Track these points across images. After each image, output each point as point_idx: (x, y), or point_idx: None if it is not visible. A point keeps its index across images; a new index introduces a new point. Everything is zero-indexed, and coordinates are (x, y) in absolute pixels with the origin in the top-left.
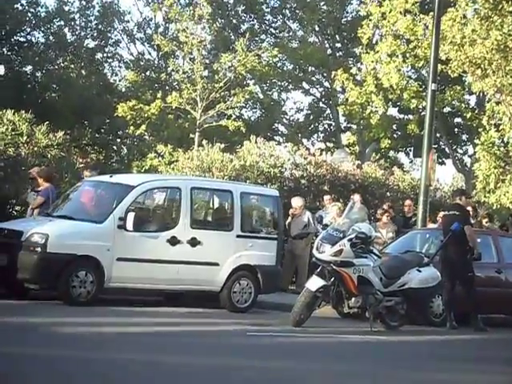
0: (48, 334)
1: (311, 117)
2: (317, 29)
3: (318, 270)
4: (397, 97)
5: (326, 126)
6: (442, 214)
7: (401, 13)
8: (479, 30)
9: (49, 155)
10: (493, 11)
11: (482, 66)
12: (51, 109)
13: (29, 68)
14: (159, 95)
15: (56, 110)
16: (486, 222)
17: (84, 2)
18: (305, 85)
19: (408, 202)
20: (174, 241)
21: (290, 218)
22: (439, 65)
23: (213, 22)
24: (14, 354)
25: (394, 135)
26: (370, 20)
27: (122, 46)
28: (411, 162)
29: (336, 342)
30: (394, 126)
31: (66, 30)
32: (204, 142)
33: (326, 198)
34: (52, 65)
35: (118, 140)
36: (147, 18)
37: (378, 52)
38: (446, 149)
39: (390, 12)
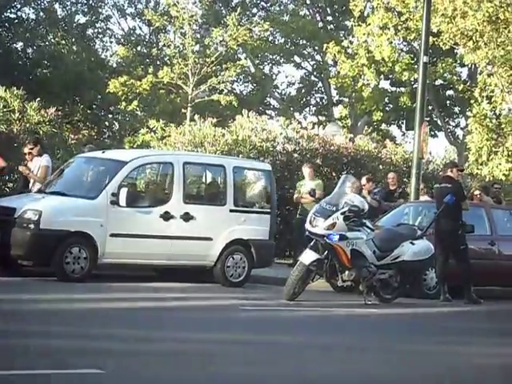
0: (43, 310)
1: (303, 90)
2: (308, 2)
3: (312, 243)
4: (388, 69)
5: (317, 99)
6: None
7: None
8: (470, 1)
9: (41, 131)
10: None
11: (474, 38)
12: (42, 85)
13: (19, 44)
14: (151, 70)
15: (47, 87)
16: (478, 195)
17: None
18: (296, 58)
19: (391, 174)
20: (167, 216)
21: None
22: (431, 37)
23: None
24: (9, 330)
25: (386, 108)
26: None
27: (112, 21)
28: (403, 134)
29: (330, 315)
30: (386, 99)
31: (56, 5)
32: (196, 116)
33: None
34: (43, 41)
35: (110, 116)
36: None
37: (369, 25)
38: (439, 121)
39: None
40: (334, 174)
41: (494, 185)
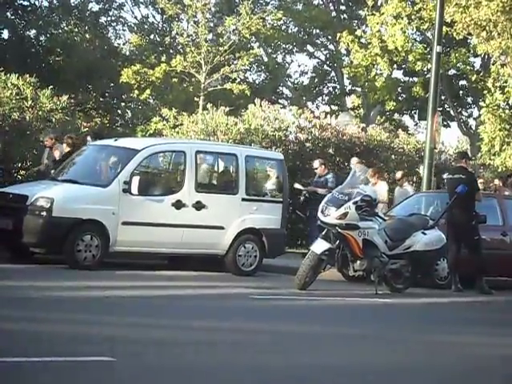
0: (54, 298)
1: (316, 80)
2: None
3: (323, 232)
4: (402, 59)
5: (330, 88)
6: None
7: None
8: None
9: (53, 119)
10: None
11: (487, 28)
12: (55, 73)
13: (33, 32)
14: (163, 59)
15: (60, 74)
16: (497, 185)
17: None
18: (309, 47)
19: (316, 162)
20: (178, 204)
21: None
22: (444, 27)
23: None
24: (20, 317)
25: (399, 98)
26: None
27: (125, 9)
28: (416, 124)
29: (341, 304)
30: (399, 89)
31: None
32: (209, 105)
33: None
34: (56, 29)
35: (123, 104)
36: None
37: (383, 14)
38: (451, 111)
39: None
40: (346, 164)
41: (510, 176)
